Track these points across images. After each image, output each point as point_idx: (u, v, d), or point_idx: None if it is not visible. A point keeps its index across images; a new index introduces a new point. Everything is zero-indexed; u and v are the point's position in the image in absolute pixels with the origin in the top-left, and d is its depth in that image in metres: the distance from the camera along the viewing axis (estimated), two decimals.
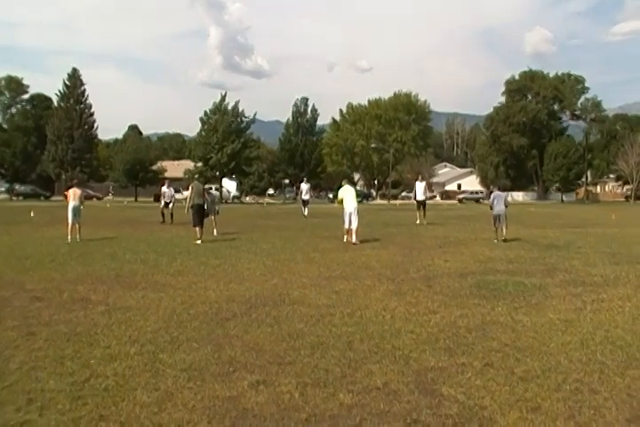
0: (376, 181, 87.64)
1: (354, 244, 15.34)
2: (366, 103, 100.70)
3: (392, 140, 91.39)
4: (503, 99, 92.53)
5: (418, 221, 23.82)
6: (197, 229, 16.30)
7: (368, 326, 6.41)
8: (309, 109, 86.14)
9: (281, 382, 4.61)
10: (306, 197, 30.12)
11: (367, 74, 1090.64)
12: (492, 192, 19.28)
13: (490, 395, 4.34)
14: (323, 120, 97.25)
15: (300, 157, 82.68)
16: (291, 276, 9.95)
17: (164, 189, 25.70)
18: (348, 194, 16.61)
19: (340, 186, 17.38)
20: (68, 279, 9.46)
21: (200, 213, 16.70)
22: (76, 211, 17.10)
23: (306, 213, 28.97)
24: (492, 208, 17.11)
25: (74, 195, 17.48)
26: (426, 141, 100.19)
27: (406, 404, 4.19)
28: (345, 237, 16.14)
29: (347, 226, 16.10)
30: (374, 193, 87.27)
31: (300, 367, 4.96)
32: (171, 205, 24.79)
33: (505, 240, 16.16)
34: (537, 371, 4.88)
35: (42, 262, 11.49)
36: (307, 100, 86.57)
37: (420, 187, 24.38)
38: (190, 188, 17.29)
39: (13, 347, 5.55)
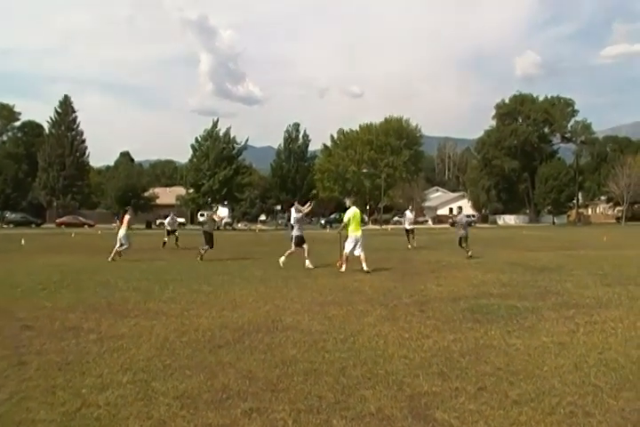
0: (368, 207, 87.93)
1: (367, 272, 14.42)
2: (357, 128, 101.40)
3: (383, 165, 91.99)
4: (494, 122, 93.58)
5: (409, 246, 24.45)
6: (207, 247, 19.18)
7: (361, 351, 6.38)
8: (301, 135, 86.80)
9: (274, 409, 4.58)
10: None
11: (358, 99, 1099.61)
12: (458, 214, 21.95)
13: (484, 419, 4.33)
14: (314, 146, 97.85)
15: (292, 182, 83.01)
16: (283, 302, 9.91)
17: (168, 220, 27.24)
18: (355, 218, 15.46)
19: (347, 207, 16.40)
20: (59, 307, 9.40)
21: (207, 237, 19.47)
22: (124, 236, 19.30)
23: None
24: (462, 229, 20.02)
25: (125, 221, 19.87)
26: (417, 166, 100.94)
27: None
28: (342, 265, 15.08)
29: (347, 251, 15.15)
30: (366, 218, 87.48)
31: (294, 394, 4.93)
32: (176, 232, 26.64)
33: (471, 257, 18.63)
34: (531, 394, 4.86)
35: (33, 291, 11.41)
36: (298, 125, 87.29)
37: (409, 216, 26.41)
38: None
39: (3, 377, 5.49)
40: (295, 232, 16.87)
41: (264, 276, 14.03)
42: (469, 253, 19.01)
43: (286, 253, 16.47)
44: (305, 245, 16.60)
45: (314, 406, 4.62)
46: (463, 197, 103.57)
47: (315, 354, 6.26)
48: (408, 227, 25.76)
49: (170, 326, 7.82)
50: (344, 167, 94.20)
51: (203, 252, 19.01)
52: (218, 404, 4.70)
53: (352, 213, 15.52)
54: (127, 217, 20.26)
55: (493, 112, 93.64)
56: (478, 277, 13.43)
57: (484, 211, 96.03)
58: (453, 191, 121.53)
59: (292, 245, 16.79)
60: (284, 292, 11.18)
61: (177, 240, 25.73)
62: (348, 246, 15.23)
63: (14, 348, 6.61)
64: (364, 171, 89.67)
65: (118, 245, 19.10)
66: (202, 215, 71.75)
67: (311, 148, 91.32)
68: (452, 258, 18.90)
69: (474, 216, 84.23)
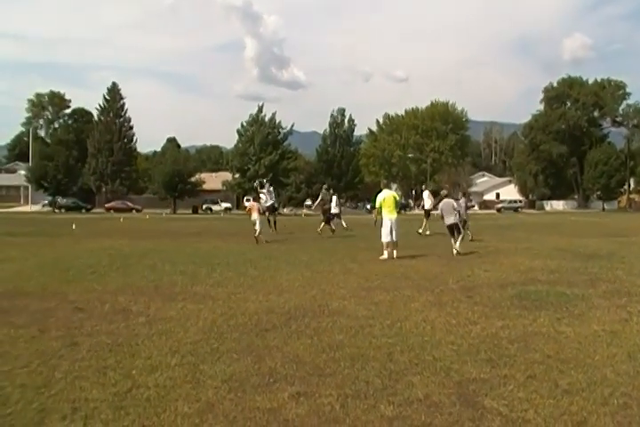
0: (414, 192, 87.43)
1: (396, 257, 14.32)
2: (403, 113, 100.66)
3: (429, 149, 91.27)
4: (542, 106, 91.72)
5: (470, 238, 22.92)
6: (323, 224, 23.26)
7: (408, 337, 6.35)
8: (346, 120, 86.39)
9: (322, 393, 4.58)
10: (335, 210, 26.96)
11: (403, 83, 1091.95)
12: (460, 199, 19.45)
13: (533, 408, 4.26)
14: (360, 131, 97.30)
15: (338, 167, 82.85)
16: (329, 287, 9.91)
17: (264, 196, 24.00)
18: (387, 201, 14.90)
19: (379, 191, 15.42)
20: (108, 290, 9.57)
21: (324, 214, 23.88)
22: (256, 221, 19.71)
23: (344, 224, 27.51)
24: (459, 214, 16.71)
25: (253, 208, 20.49)
26: (463, 151, 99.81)
27: (448, 416, 4.13)
28: (385, 252, 14.58)
29: (386, 239, 14.64)
30: (412, 203, 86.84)
31: (341, 379, 4.93)
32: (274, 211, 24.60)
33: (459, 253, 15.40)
34: (582, 384, 4.77)
35: (84, 274, 11.66)
36: (343, 110, 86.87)
37: (425, 196, 25.46)
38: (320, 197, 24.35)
39: (58, 357, 5.63)
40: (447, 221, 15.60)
41: (310, 260, 14.05)
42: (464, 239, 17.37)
43: (458, 241, 15.41)
44: (456, 233, 15.53)
45: (361, 392, 4.62)
46: (510, 182, 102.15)
47: (361, 339, 6.26)
48: (426, 207, 24.45)
49: (217, 310, 7.90)
50: (390, 152, 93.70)
51: (321, 227, 23.09)
52: (265, 387, 4.73)
53: (383, 195, 14.99)
54: (253, 204, 20.91)
55: (541, 96, 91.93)
56: (526, 263, 13.22)
57: (531, 196, 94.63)
58: (500, 176, 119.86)
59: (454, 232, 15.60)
60: (330, 277, 11.18)
61: (275, 224, 24.00)
62: (385, 232, 14.68)
63: (67, 329, 6.77)
64: (410, 155, 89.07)
65: (259, 229, 19.58)
66: (247, 200, 72.29)
67: (356, 132, 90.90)
68: (499, 243, 18.67)
69: (520, 202, 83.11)
